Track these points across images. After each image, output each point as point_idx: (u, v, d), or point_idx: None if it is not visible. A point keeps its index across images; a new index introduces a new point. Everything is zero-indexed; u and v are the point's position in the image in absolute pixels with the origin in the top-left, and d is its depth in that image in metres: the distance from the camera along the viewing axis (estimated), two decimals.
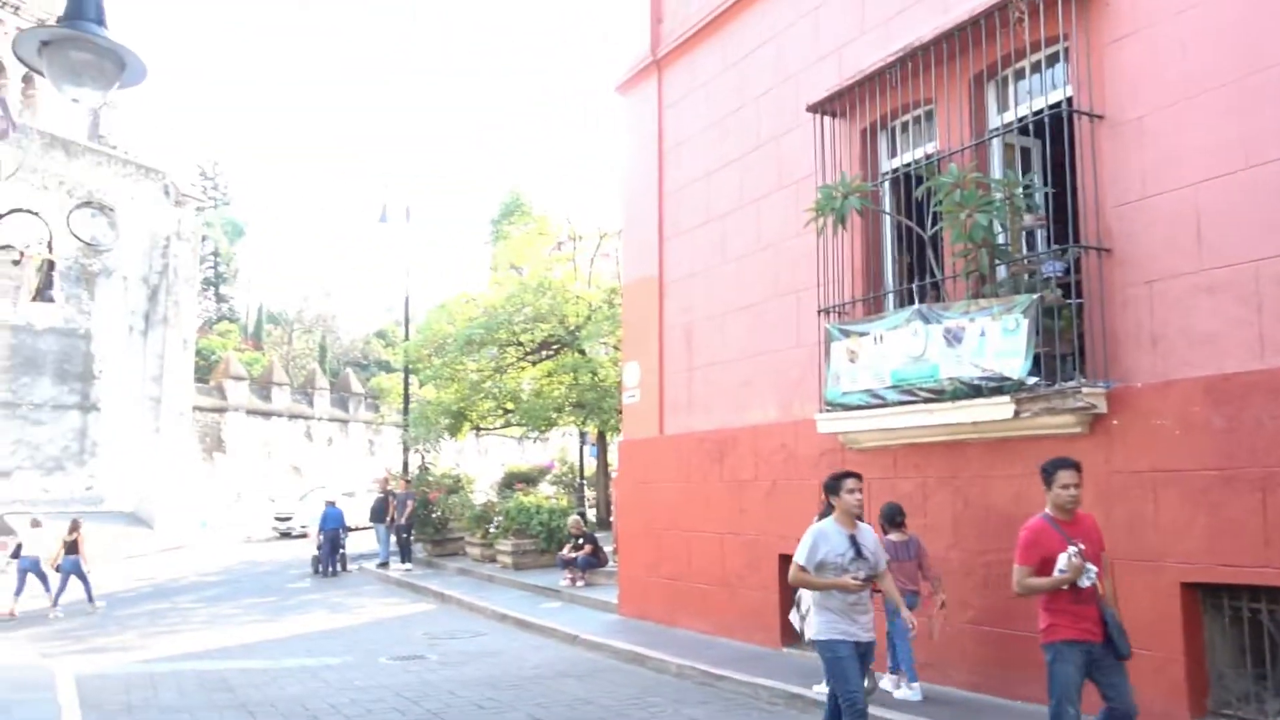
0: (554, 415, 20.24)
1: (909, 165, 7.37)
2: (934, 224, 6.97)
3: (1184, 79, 5.46)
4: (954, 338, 6.38)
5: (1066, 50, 6.28)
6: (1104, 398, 5.68)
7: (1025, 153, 6.91)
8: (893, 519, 6.71)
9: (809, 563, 4.96)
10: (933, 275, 6.87)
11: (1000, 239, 6.35)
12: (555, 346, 20.36)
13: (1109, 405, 5.68)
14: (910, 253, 7.23)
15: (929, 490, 6.92)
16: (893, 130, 7.90)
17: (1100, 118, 5.91)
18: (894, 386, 6.82)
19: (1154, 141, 5.61)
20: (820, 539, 5.03)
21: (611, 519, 20.50)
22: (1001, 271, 6.54)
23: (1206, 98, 5.34)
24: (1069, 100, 6.13)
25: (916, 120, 7.61)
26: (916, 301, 6.83)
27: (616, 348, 20.01)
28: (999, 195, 6.15)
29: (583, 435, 25.98)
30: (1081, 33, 6.00)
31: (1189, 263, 5.38)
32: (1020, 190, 6.07)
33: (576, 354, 19.96)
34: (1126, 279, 5.72)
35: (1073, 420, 5.77)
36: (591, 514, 20.77)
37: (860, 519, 5.27)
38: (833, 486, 5.19)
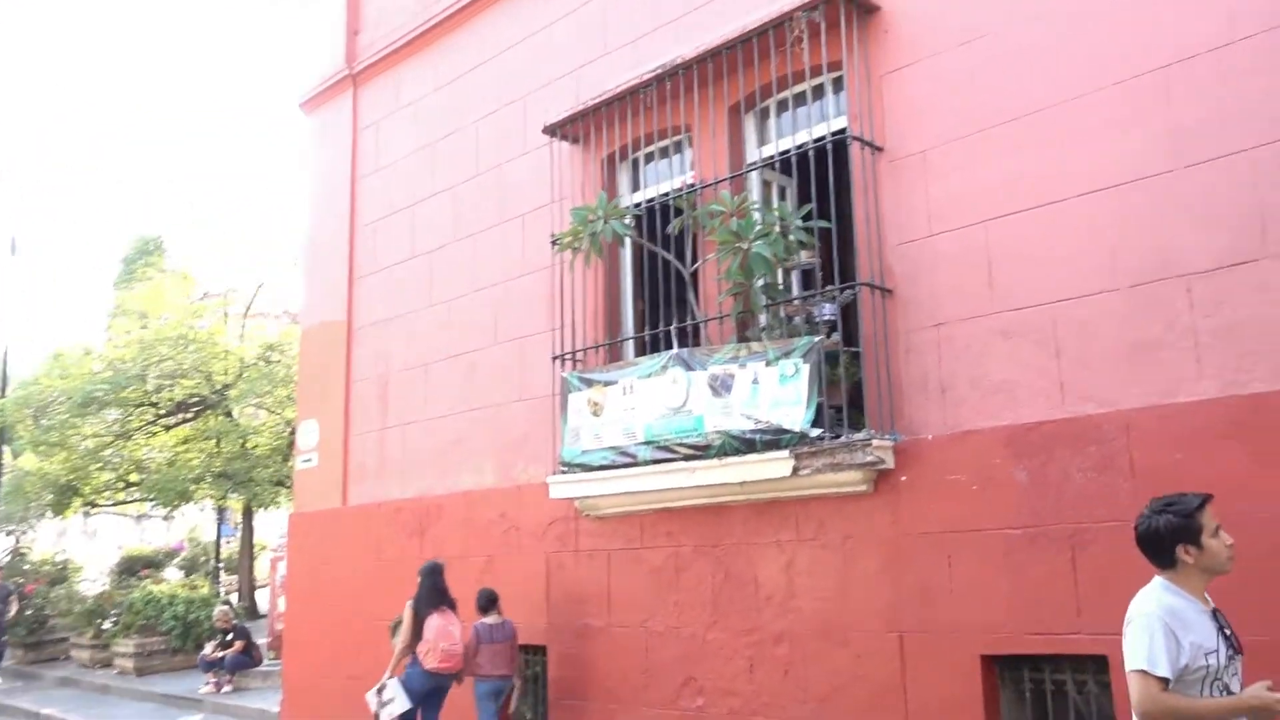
0: (191, 488, 17.49)
1: (657, 198, 6.64)
2: (693, 260, 6.28)
3: (971, 112, 5.16)
4: (722, 386, 5.63)
5: (839, 80, 5.88)
6: (891, 451, 5.15)
7: (782, 191, 6.43)
8: (492, 602, 6.68)
9: (1171, 669, 2.89)
10: (693, 316, 6.14)
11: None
12: (197, 408, 17.72)
13: (896, 460, 5.16)
14: (659, 293, 6.47)
15: (683, 562, 6.07)
16: (636, 161, 7.19)
17: (879, 150, 5.51)
18: (648, 443, 5.95)
19: (939, 177, 5.25)
20: (1173, 622, 2.94)
21: (259, 608, 17.99)
22: (765, 316, 5.94)
23: (996, 132, 5.05)
24: (841, 132, 5.68)
25: (664, 151, 6.95)
26: (676, 346, 6.04)
27: (273, 410, 17.79)
28: (775, 228, 5.54)
29: (221, 511, 22.97)
30: (859, 60, 5.60)
31: (980, 306, 5.01)
32: (799, 223, 5.49)
33: (223, 417, 17.49)
34: (910, 323, 5.28)
35: (859, 477, 5.18)
36: (234, 600, 18.08)
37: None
38: (1186, 527, 3.03)
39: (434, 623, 6.72)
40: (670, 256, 6.15)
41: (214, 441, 17.45)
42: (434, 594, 6.82)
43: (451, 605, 6.86)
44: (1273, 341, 4.11)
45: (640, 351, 6.76)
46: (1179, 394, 4.31)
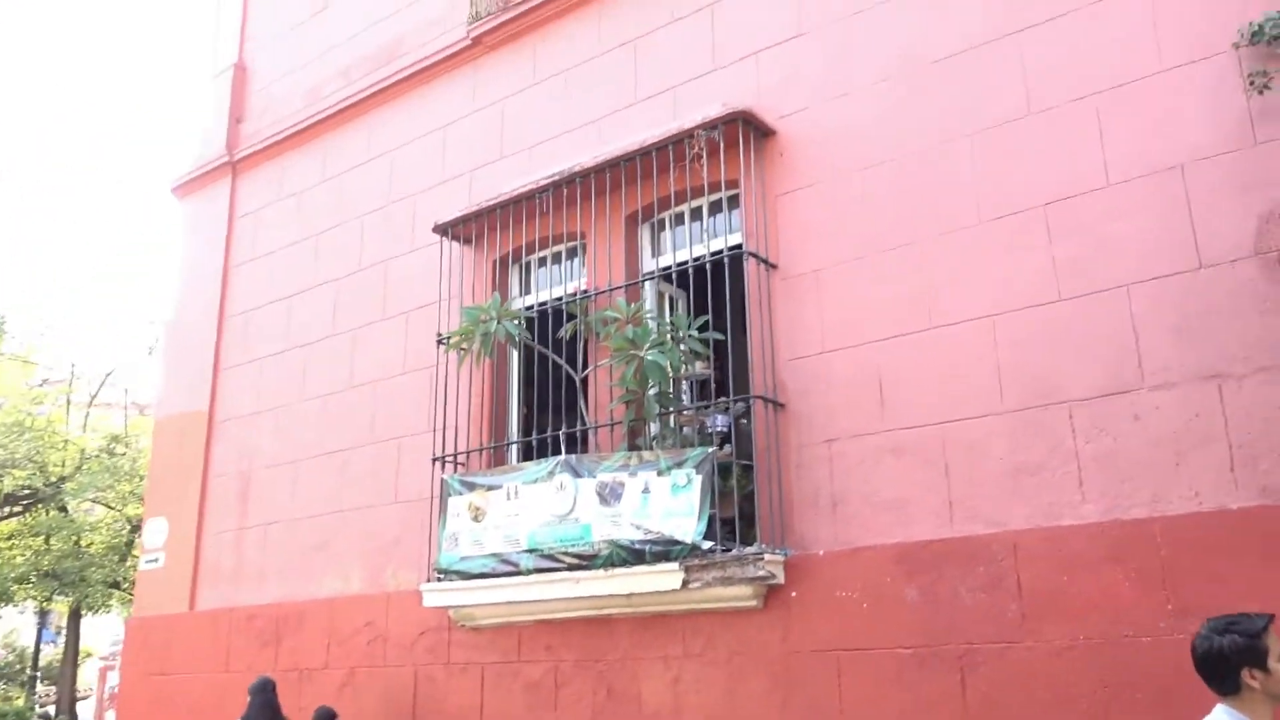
0: (13, 587, 16.06)
1: (549, 302, 6.58)
2: (583, 367, 6.21)
3: (864, 235, 5.33)
4: (611, 494, 5.51)
5: (734, 198, 6.02)
6: (782, 566, 5.10)
7: (673, 302, 6.47)
8: None
9: None
10: (582, 422, 6.03)
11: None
12: (27, 501, 16.41)
13: (787, 575, 5.11)
14: (546, 398, 6.35)
15: (563, 677, 5.82)
16: (527, 265, 7.14)
17: (774, 267, 5.61)
18: (531, 550, 5.75)
19: (832, 296, 5.37)
20: None
21: None
22: (656, 425, 5.89)
23: (888, 256, 5.22)
24: (737, 248, 5.78)
25: (557, 256, 6.93)
26: (564, 451, 5.91)
27: (112, 506, 16.64)
28: (669, 337, 5.54)
29: (43, 615, 21.13)
30: (755, 180, 5.74)
31: (871, 423, 5.09)
32: (694, 334, 5.50)
33: (56, 511, 16.24)
34: (802, 438, 5.31)
35: (749, 592, 5.10)
36: (51, 713, 16.48)
37: None
38: (1251, 648, 2.80)
39: None
40: (561, 361, 6.07)
41: (43, 538, 16.16)
42: (265, 713, 6.39)
43: None
44: (1149, 469, 4.28)
45: (525, 457, 6.60)
46: (1063, 517, 4.43)
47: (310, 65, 8.95)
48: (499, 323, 5.81)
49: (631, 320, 5.54)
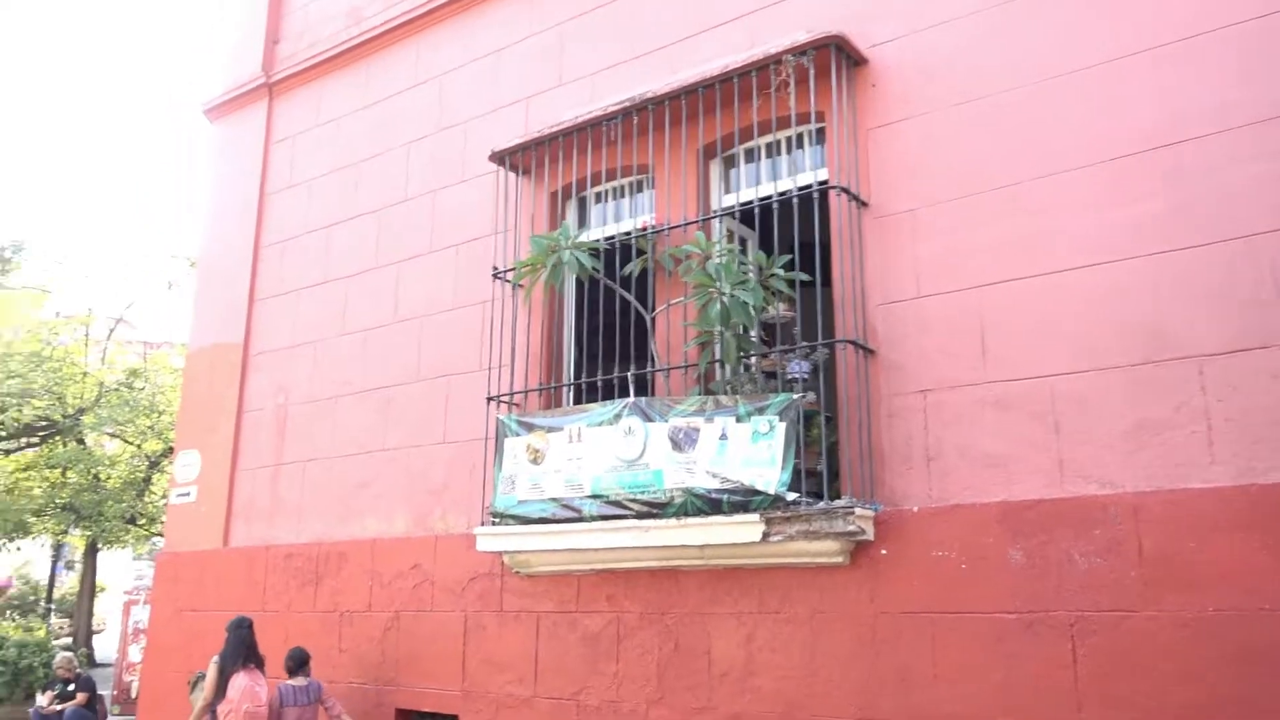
0: (30, 520, 15.90)
1: (612, 238, 6.22)
2: (651, 305, 5.88)
3: (965, 174, 4.96)
4: (685, 440, 5.21)
5: (818, 132, 5.64)
6: (871, 522, 4.81)
7: (743, 243, 6.12)
8: (301, 663, 6.37)
9: None
10: (653, 364, 5.71)
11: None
12: (44, 433, 16.20)
13: (876, 531, 4.82)
14: (609, 338, 6.03)
15: (625, 630, 5.56)
16: (584, 199, 6.78)
17: (865, 205, 5.25)
18: (596, 496, 5.46)
19: (929, 237, 5.02)
20: None
21: (97, 656, 16.39)
22: (728, 370, 5.57)
23: (991, 196, 4.86)
24: (823, 183, 5.42)
25: (617, 191, 6.57)
26: (632, 394, 5.59)
27: (131, 441, 16.43)
28: (752, 276, 5.20)
29: (58, 548, 21.07)
30: (845, 112, 5.36)
31: (971, 374, 4.76)
32: (779, 272, 5.16)
33: (74, 444, 16.03)
34: (894, 387, 4.99)
35: (836, 548, 4.81)
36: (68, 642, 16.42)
37: None
38: None
39: (239, 682, 6.28)
40: (631, 298, 5.73)
41: (60, 470, 15.98)
42: (241, 650, 6.44)
43: (259, 663, 6.47)
44: None
45: (579, 400, 6.29)
46: (1190, 479, 4.12)
47: None
48: (570, 253, 5.45)
49: (711, 256, 5.19)
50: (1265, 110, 4.22)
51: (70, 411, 15.59)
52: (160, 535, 16.95)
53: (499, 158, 6.62)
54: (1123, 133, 4.52)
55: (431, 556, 6.56)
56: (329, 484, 7.39)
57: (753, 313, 5.07)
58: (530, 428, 5.88)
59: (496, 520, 5.89)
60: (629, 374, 5.63)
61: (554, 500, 5.64)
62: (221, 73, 9.50)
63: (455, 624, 6.30)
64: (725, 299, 5.02)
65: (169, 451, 17.02)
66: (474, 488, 6.38)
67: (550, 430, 5.78)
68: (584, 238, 6.58)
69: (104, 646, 17.88)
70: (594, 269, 5.63)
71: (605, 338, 5.95)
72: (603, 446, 5.52)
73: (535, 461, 5.80)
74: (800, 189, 5.30)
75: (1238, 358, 4.11)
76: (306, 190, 8.33)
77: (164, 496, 17.08)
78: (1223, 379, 4.13)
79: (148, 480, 16.60)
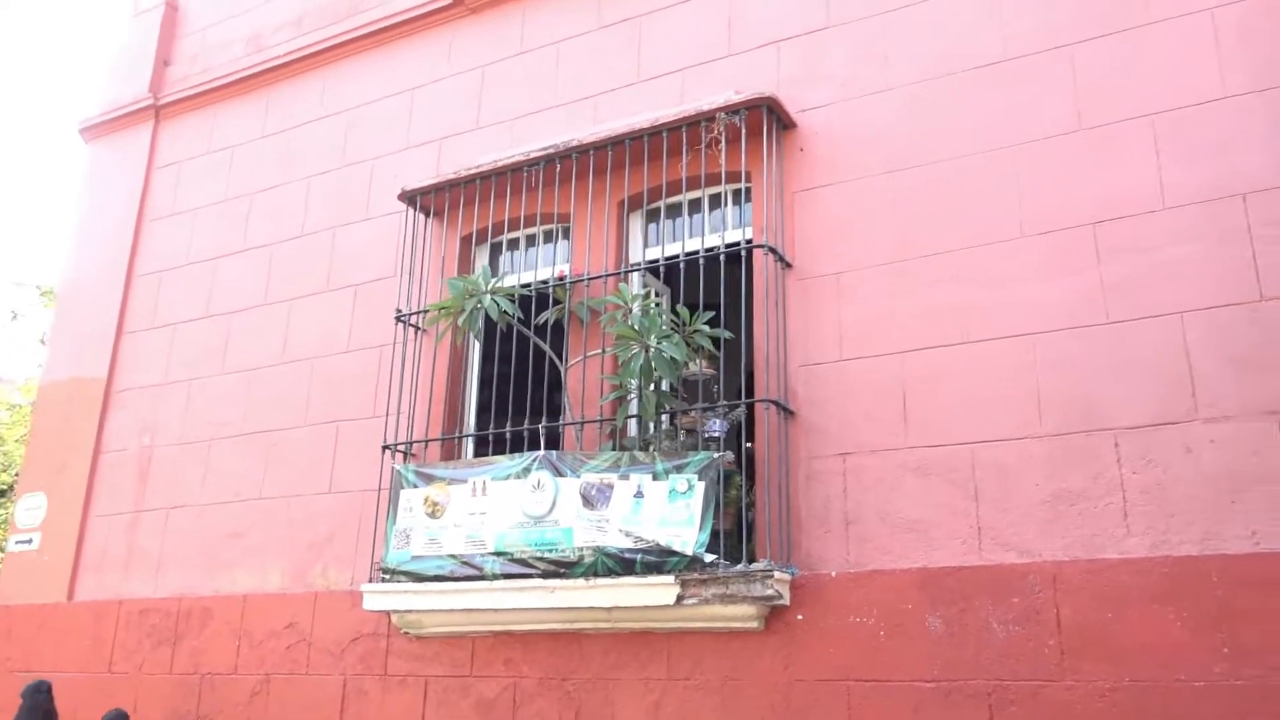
0: None
1: (531, 285, 6.04)
2: (564, 357, 5.71)
3: (893, 241, 5.03)
4: (600, 497, 5.03)
5: (739, 192, 5.66)
6: (788, 586, 4.71)
7: (656, 297, 6.03)
8: None
9: None
10: (565, 417, 5.52)
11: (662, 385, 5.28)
12: None
13: (792, 596, 4.71)
14: (505, 388, 5.79)
15: (523, 696, 5.26)
16: (496, 245, 6.60)
17: (789, 266, 5.26)
18: (499, 554, 5.20)
19: (854, 301, 5.05)
20: None
21: None
22: (637, 426, 5.43)
23: (918, 264, 4.93)
24: (749, 242, 5.41)
25: (531, 239, 6.41)
26: (542, 447, 5.38)
27: None
28: (674, 332, 5.11)
29: None
30: (773, 173, 5.39)
31: (892, 438, 4.76)
32: (704, 328, 5.09)
33: None
34: (813, 449, 4.95)
35: (751, 612, 4.68)
36: None
37: None
38: None
39: None
40: (547, 348, 5.55)
41: None
42: (34, 715, 5.74)
43: None
44: (1201, 505, 4.07)
45: (480, 453, 6.02)
46: (1106, 550, 4.18)
47: (255, 10, 8.20)
48: (491, 297, 5.24)
49: (631, 308, 5.08)
50: (1200, 192, 4.36)
51: None
52: None
53: (408, 197, 6.38)
54: (1057, 208, 4.64)
55: (310, 614, 6.11)
56: (196, 534, 6.84)
57: (677, 368, 4.96)
58: (429, 479, 5.58)
59: (387, 576, 5.53)
60: (540, 425, 5.43)
61: (453, 557, 5.34)
62: (102, 91, 8.96)
63: (333, 688, 5.86)
64: (650, 352, 4.89)
65: None
66: (361, 542, 6.01)
67: (452, 482, 5.51)
68: (494, 284, 6.39)
69: None
70: (513, 316, 5.44)
71: (516, 388, 5.72)
72: (509, 501, 5.28)
73: (434, 515, 5.50)
74: (728, 245, 5.27)
75: (1154, 431, 4.22)
76: (191, 219, 7.87)
77: None
78: (1137, 452, 4.23)
79: None
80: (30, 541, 7.66)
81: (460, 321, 5.37)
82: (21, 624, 7.37)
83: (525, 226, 6.29)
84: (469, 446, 6.16)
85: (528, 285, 5.77)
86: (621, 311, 5.14)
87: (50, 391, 8.20)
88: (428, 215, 6.49)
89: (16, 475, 16.82)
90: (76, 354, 8.07)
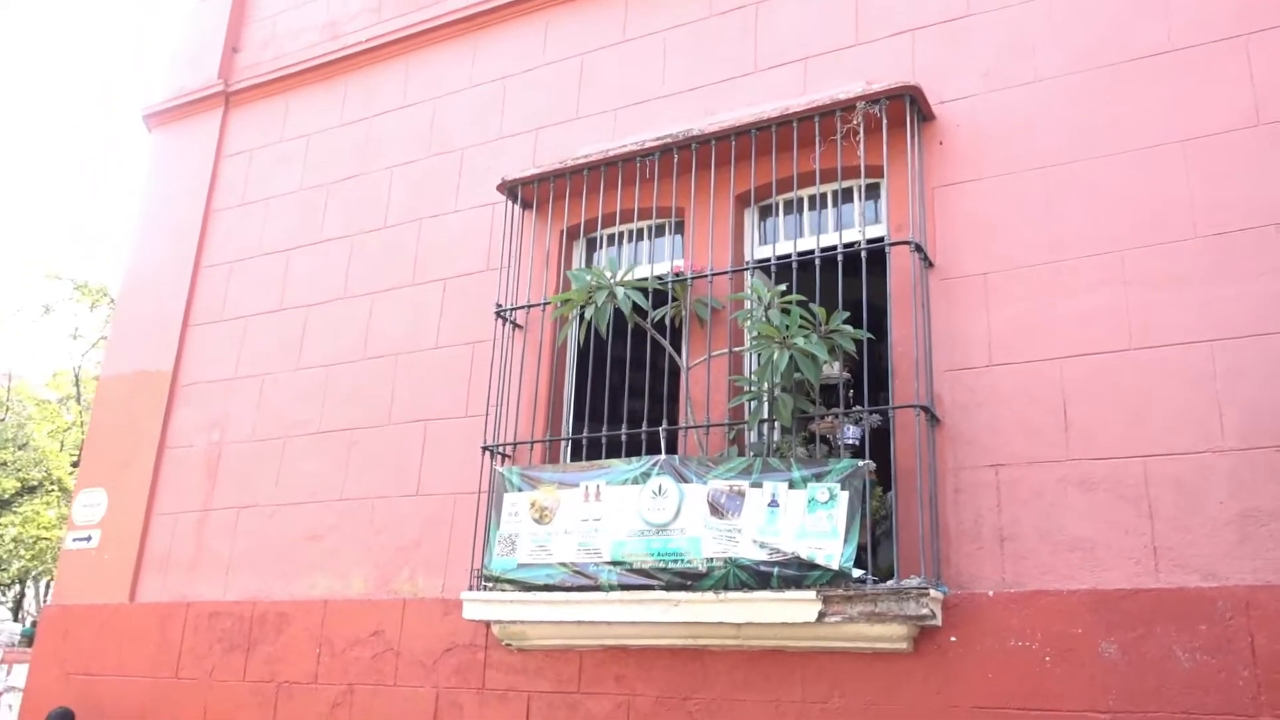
0: None
1: (645, 280, 5.72)
2: (686, 355, 5.41)
3: (1046, 240, 4.74)
4: (730, 505, 4.72)
5: (871, 186, 5.36)
6: (940, 605, 4.39)
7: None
8: None
9: None
10: (689, 420, 5.21)
11: None
12: None
13: (943, 616, 4.40)
14: (600, 389, 5.51)
15: (637, 715, 4.94)
16: (593, 240, 6.31)
17: (931, 265, 4.96)
18: (616, 563, 4.89)
19: (1004, 304, 4.75)
20: None
21: None
22: (758, 432, 5.13)
23: (1079, 264, 4.63)
24: (887, 238, 5.11)
25: (634, 234, 6.12)
26: (663, 451, 5.08)
27: None
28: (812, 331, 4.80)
29: None
30: (914, 167, 5.09)
31: (1052, 450, 4.45)
32: (846, 328, 4.78)
33: None
34: (960, 460, 4.64)
35: (901, 633, 4.36)
36: None
37: None
38: None
39: None
40: (667, 345, 5.25)
41: None
42: None
43: None
44: None
45: (577, 456, 5.71)
46: None
47: None
48: (624, 291, 4.94)
49: (781, 306, 4.77)
50: None
51: None
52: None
53: (508, 189, 6.10)
54: (1235, 207, 4.36)
55: (397, 623, 5.79)
56: (269, 535, 6.54)
57: (819, 368, 4.66)
58: (536, 483, 5.28)
59: (490, 585, 5.22)
60: (660, 428, 5.12)
61: (564, 565, 5.03)
62: (167, 78, 8.71)
63: (424, 701, 5.54)
64: (793, 352, 4.59)
65: (25, 490, 15.40)
66: (454, 547, 5.71)
67: (561, 486, 5.20)
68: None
69: None
70: (647, 310, 5.14)
71: (630, 389, 5.42)
72: (625, 508, 4.98)
73: (541, 521, 5.19)
74: (869, 242, 4.98)
75: None
76: (263, 209, 7.59)
77: (15, 539, 15.39)
78: None
79: None
80: (89, 539, 7.35)
81: (588, 315, 5.06)
82: (80, 625, 7.05)
83: (626, 221, 5.98)
84: (566, 450, 5.86)
85: (645, 280, 5.44)
86: (752, 309, 4.83)
87: (112, 385, 7.91)
88: (524, 206, 6.20)
89: (47, 472, 16.62)
90: (140, 347, 7.78)
